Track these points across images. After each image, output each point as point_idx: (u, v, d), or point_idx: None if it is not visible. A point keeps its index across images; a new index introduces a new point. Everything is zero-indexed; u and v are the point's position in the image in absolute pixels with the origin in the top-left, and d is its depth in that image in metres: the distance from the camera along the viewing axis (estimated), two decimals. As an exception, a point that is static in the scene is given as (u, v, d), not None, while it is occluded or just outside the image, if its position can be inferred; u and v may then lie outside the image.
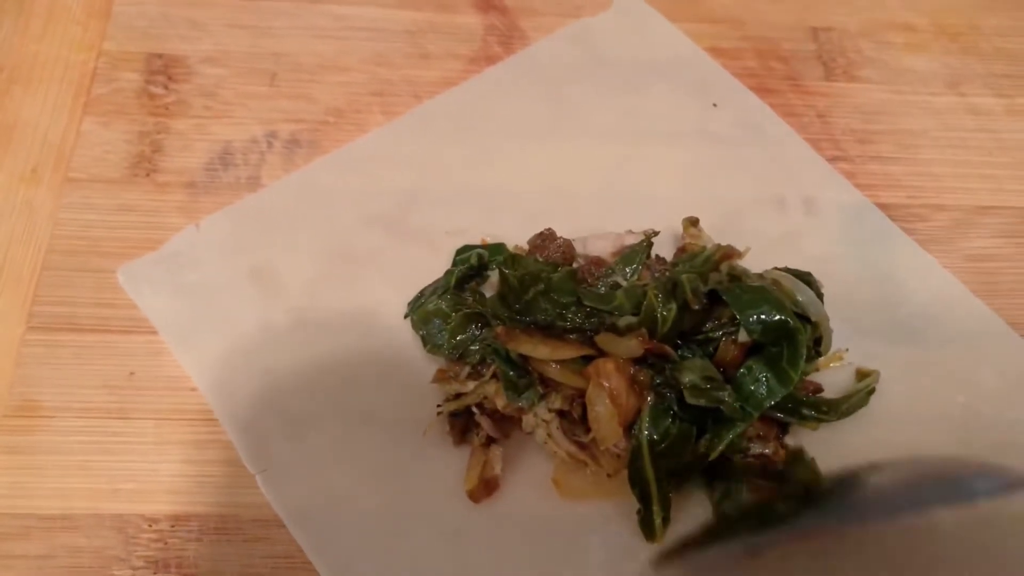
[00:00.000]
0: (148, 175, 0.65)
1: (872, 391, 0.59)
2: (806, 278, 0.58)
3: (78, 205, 0.63)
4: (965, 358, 0.62)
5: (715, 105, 0.71)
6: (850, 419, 0.58)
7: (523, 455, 0.56)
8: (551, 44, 0.74)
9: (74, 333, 0.59)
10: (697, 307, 0.52)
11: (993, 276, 0.66)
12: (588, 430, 0.52)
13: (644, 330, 0.52)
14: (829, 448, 0.57)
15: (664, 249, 0.62)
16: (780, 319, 0.52)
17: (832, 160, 0.70)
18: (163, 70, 0.70)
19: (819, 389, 0.58)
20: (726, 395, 0.51)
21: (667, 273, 0.57)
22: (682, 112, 0.71)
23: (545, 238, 0.61)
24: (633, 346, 0.52)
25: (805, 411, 0.55)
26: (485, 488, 0.54)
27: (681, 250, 0.61)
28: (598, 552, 0.53)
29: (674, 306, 0.52)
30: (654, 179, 0.68)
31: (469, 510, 0.54)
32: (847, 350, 0.60)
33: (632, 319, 0.53)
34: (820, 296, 0.59)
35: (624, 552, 0.53)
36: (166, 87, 0.69)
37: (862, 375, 0.60)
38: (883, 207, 0.67)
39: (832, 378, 0.59)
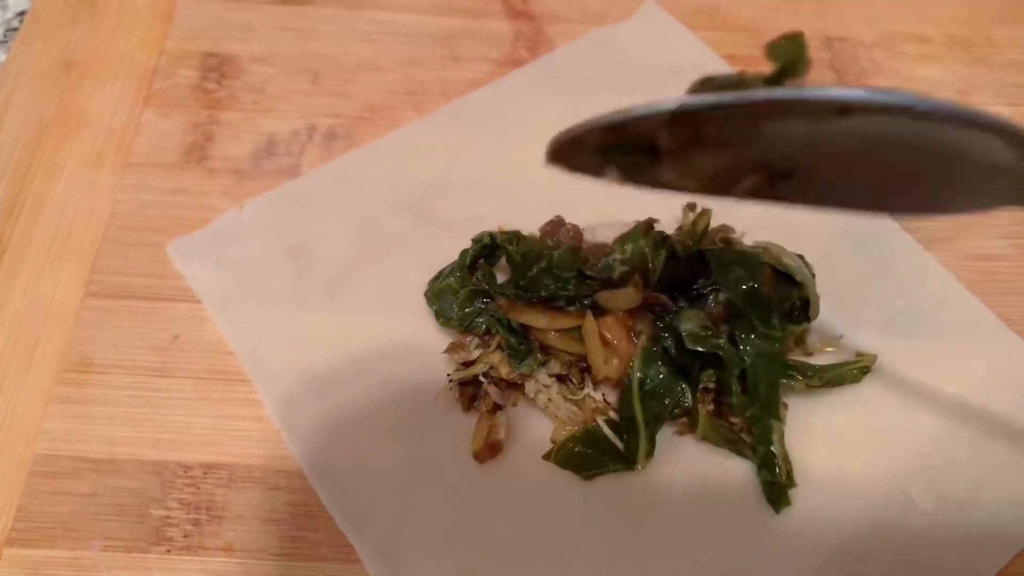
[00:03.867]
0: (199, 162, 0.72)
1: (867, 370, 0.62)
2: (798, 260, 0.62)
3: (135, 187, 0.70)
4: (957, 351, 0.64)
5: (728, 108, 0.75)
6: (840, 396, 0.61)
7: (527, 422, 0.60)
8: (575, 49, 0.79)
9: (127, 300, 0.65)
10: (683, 254, 0.56)
11: (991, 275, 0.68)
12: (582, 388, 0.57)
13: (639, 277, 0.56)
14: (814, 417, 0.60)
15: (668, 238, 0.66)
16: (752, 285, 0.56)
17: (839, 162, 0.73)
18: (217, 68, 0.76)
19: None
20: (723, 342, 0.55)
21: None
22: (696, 114, 0.75)
23: (555, 224, 0.65)
24: (631, 295, 0.56)
25: (791, 372, 0.58)
26: (489, 450, 0.59)
27: (679, 229, 0.65)
28: (588, 509, 0.57)
29: (663, 253, 0.57)
30: (665, 176, 0.72)
31: (474, 470, 0.59)
32: (842, 337, 0.64)
33: (625, 267, 0.57)
34: (812, 277, 0.63)
35: (610, 511, 0.57)
36: (219, 83, 0.76)
37: (860, 356, 0.63)
38: (886, 207, 0.70)
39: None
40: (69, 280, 0.66)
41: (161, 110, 0.74)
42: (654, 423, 0.57)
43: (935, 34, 0.81)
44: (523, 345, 0.58)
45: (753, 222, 0.66)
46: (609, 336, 0.57)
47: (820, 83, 0.78)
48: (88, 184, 0.70)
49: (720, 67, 0.78)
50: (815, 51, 0.79)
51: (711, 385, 0.58)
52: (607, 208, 0.68)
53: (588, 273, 0.60)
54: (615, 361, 0.57)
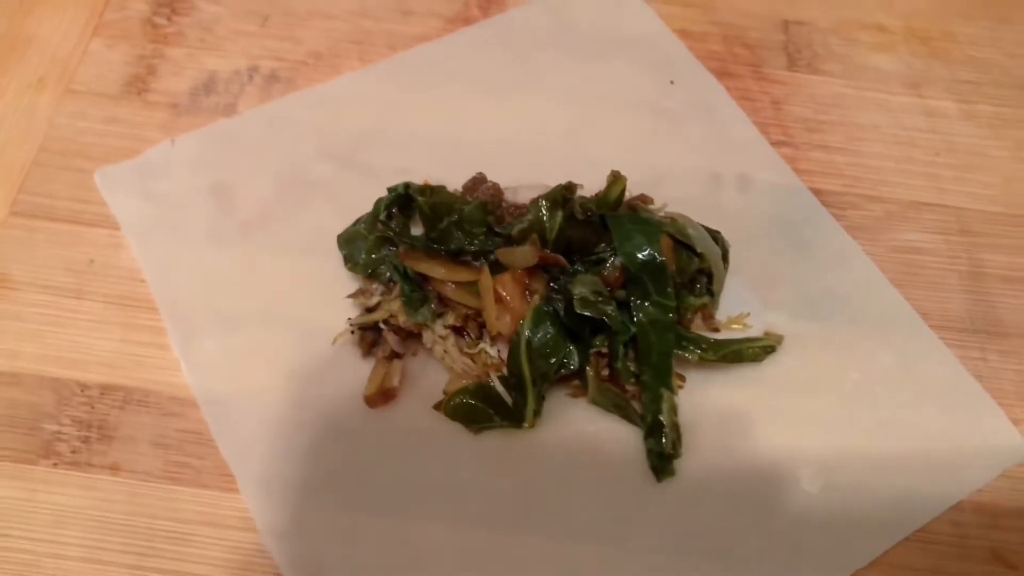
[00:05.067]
0: (139, 94, 0.72)
1: (771, 349, 0.62)
2: (714, 234, 0.62)
3: (73, 113, 0.71)
4: (868, 339, 0.64)
5: (672, 82, 0.75)
6: (741, 374, 0.61)
7: (423, 375, 0.61)
8: (527, 12, 0.78)
9: (49, 221, 0.66)
10: (581, 217, 0.57)
11: (916, 269, 0.67)
12: (479, 342, 0.57)
13: (536, 237, 0.56)
14: (710, 393, 0.61)
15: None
16: (648, 252, 0.56)
17: (776, 144, 0.72)
18: (168, 3, 0.77)
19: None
20: (611, 309, 0.55)
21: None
22: (639, 86, 0.75)
23: (476, 181, 0.65)
24: (528, 253, 0.56)
25: (684, 343, 0.58)
26: (382, 397, 0.59)
27: (598, 195, 0.65)
28: (473, 462, 0.58)
29: (560, 214, 0.57)
30: (599, 144, 0.72)
31: (364, 415, 0.59)
32: (748, 315, 0.63)
33: (523, 224, 0.57)
34: (725, 253, 0.63)
35: (495, 466, 0.58)
36: (169, 19, 0.76)
37: (768, 335, 0.63)
38: (817, 192, 0.70)
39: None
40: (-5, 199, 0.67)
41: (108, 41, 0.75)
42: (541, 381, 0.57)
43: (894, 24, 0.80)
44: (418, 294, 0.58)
45: (676, 196, 0.66)
46: (504, 293, 0.57)
47: (771, 64, 0.77)
48: (27, 107, 0.71)
49: (671, 41, 0.77)
50: (769, 33, 0.79)
51: (604, 350, 0.58)
52: (534, 171, 0.68)
53: (497, 230, 0.60)
54: (507, 318, 0.57)
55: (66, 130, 0.70)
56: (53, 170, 0.68)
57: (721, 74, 0.76)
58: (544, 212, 0.57)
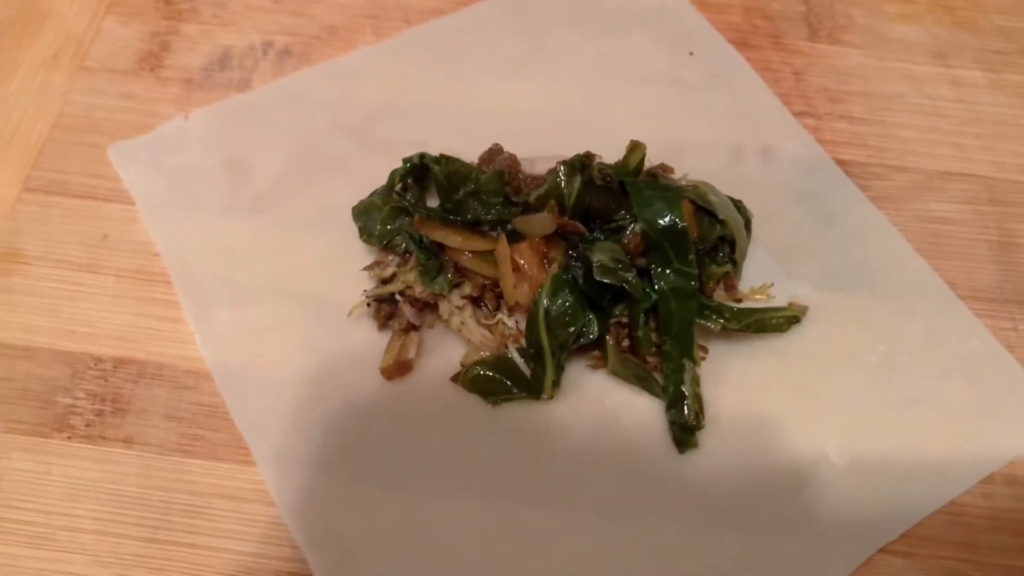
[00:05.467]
0: (152, 70, 0.72)
1: (795, 320, 0.60)
2: (736, 203, 0.61)
3: (87, 90, 0.71)
4: (894, 310, 0.62)
5: (691, 54, 0.74)
6: (765, 345, 0.60)
7: (440, 347, 0.60)
8: (542, -15, 0.77)
9: (63, 196, 0.66)
10: (600, 183, 0.55)
11: (943, 239, 0.66)
12: (497, 313, 0.56)
13: (554, 204, 0.55)
14: (733, 363, 0.59)
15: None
16: (670, 218, 0.54)
17: (799, 115, 0.71)
18: (183, -20, 0.76)
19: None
20: (631, 276, 0.54)
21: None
22: (657, 58, 0.74)
23: (492, 152, 0.64)
24: (546, 220, 0.55)
25: (706, 312, 0.57)
26: (398, 369, 0.58)
27: (617, 164, 0.64)
28: (492, 434, 0.57)
29: (578, 179, 0.55)
30: (617, 117, 0.70)
31: (380, 387, 0.58)
32: (772, 284, 0.62)
33: (540, 191, 0.56)
34: (748, 223, 0.61)
35: (514, 438, 0.57)
36: (183, -5, 0.76)
37: (792, 306, 0.61)
38: (841, 163, 0.69)
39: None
40: (9, 174, 0.66)
41: (122, 18, 0.74)
42: (560, 352, 0.56)
43: (918, -6, 0.78)
44: (433, 262, 0.57)
45: (698, 168, 0.65)
46: (521, 261, 0.56)
47: (792, 35, 0.75)
48: (41, 84, 0.71)
49: (690, 13, 0.76)
50: (790, 4, 0.78)
51: (624, 319, 0.57)
52: (551, 142, 0.66)
53: (513, 199, 0.59)
54: (525, 287, 0.56)
55: (80, 107, 0.70)
56: (67, 146, 0.68)
57: (741, 45, 0.75)
58: (562, 178, 0.56)
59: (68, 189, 0.66)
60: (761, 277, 0.63)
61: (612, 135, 0.67)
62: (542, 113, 0.71)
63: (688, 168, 0.65)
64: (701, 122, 0.70)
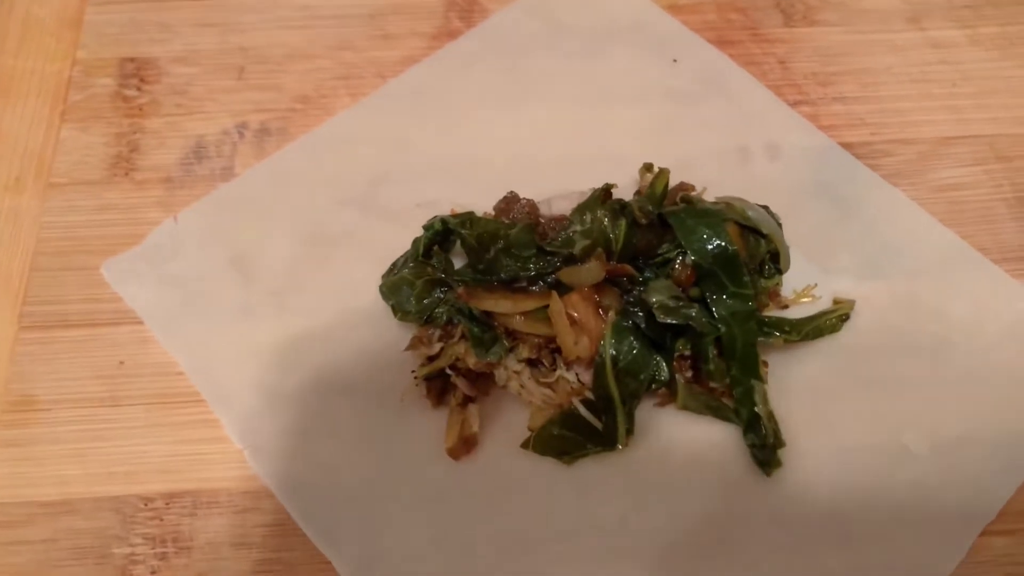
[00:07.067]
0: (127, 174, 0.67)
1: (845, 317, 0.60)
2: (762, 211, 0.59)
3: (61, 208, 0.66)
4: (936, 288, 0.62)
5: (675, 61, 0.72)
6: (819, 347, 0.59)
7: (501, 412, 0.58)
8: (510, 15, 0.75)
9: (64, 329, 0.61)
10: (644, 221, 0.54)
11: (961, 205, 0.66)
12: (555, 370, 0.54)
13: (601, 251, 0.53)
14: (794, 371, 0.59)
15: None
16: (719, 244, 0.53)
17: (794, 104, 0.70)
18: (135, 73, 0.72)
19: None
20: (694, 311, 0.53)
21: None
22: (642, 72, 0.72)
23: (509, 201, 0.62)
24: (594, 269, 0.53)
25: (767, 329, 0.56)
26: (464, 446, 0.56)
27: (638, 193, 0.62)
28: (574, 495, 0.55)
29: (623, 222, 0.54)
30: (616, 139, 0.69)
31: (450, 469, 0.56)
32: (816, 285, 0.61)
33: (586, 241, 0.54)
34: (780, 227, 0.60)
35: (596, 494, 0.55)
36: (139, 89, 0.71)
37: (838, 303, 0.61)
38: (847, 146, 0.68)
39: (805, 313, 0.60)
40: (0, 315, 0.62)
41: (80, 124, 0.70)
42: (631, 400, 0.54)
43: (880, -39, 0.78)
44: (488, 333, 0.55)
45: (710, 178, 0.64)
46: (576, 314, 0.54)
47: (768, 23, 0.75)
48: (10, 212, 0.66)
49: (664, 19, 0.75)
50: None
51: (687, 352, 0.56)
52: (560, 179, 0.65)
53: (548, 249, 0.57)
54: (585, 340, 0.54)
55: (58, 228, 0.65)
56: (54, 273, 0.63)
57: (721, 43, 0.74)
58: (606, 224, 0.54)
59: (68, 320, 0.61)
60: (798, 278, 0.62)
61: (617, 160, 0.66)
62: (541, 147, 0.68)
63: (699, 179, 0.63)
64: (701, 130, 0.69)
